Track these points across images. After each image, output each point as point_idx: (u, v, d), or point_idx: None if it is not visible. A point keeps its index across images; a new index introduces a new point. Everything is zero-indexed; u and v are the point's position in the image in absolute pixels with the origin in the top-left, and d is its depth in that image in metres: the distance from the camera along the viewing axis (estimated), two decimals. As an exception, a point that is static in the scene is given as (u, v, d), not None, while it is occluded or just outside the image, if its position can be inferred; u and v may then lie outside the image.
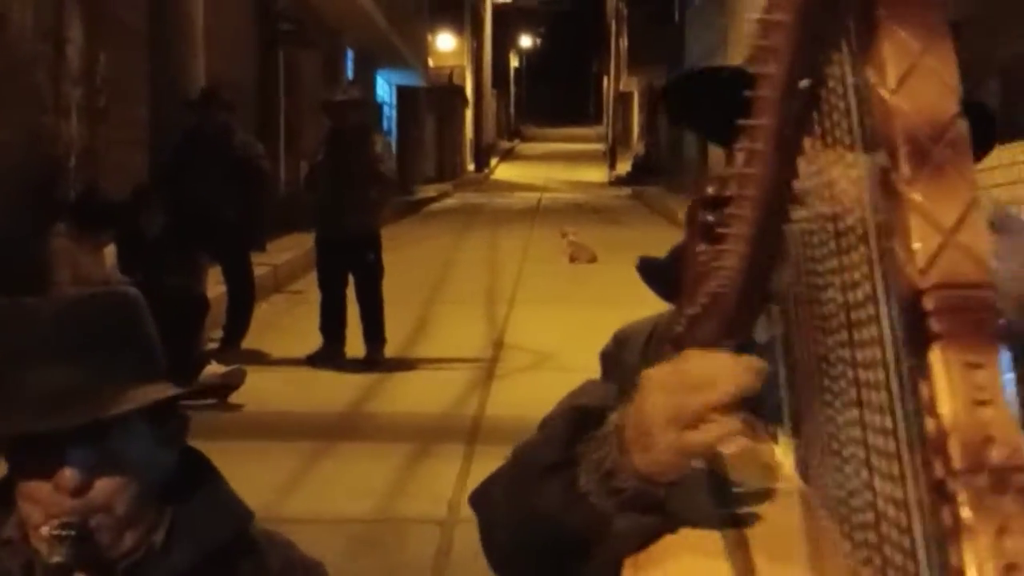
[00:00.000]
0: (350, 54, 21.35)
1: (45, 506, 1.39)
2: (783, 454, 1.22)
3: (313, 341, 8.40)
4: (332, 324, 8.36)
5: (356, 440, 6.49)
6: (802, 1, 0.90)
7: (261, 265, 11.11)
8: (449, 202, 26.00)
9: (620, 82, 39.62)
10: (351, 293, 8.45)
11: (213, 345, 8.43)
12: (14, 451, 1.43)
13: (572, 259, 14.04)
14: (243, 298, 8.59)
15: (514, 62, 61.13)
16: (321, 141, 8.56)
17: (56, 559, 1.37)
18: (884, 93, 0.72)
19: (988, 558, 0.62)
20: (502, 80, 54.20)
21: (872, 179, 0.76)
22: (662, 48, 28.25)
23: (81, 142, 9.02)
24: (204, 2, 9.37)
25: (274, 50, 15.24)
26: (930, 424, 0.66)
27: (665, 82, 1.41)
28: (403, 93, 28.82)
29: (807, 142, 1.00)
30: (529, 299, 11.42)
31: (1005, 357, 0.67)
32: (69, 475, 1.38)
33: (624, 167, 35.17)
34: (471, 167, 39.34)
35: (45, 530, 1.38)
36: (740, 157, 1.05)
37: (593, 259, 13.94)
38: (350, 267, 8.36)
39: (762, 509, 1.14)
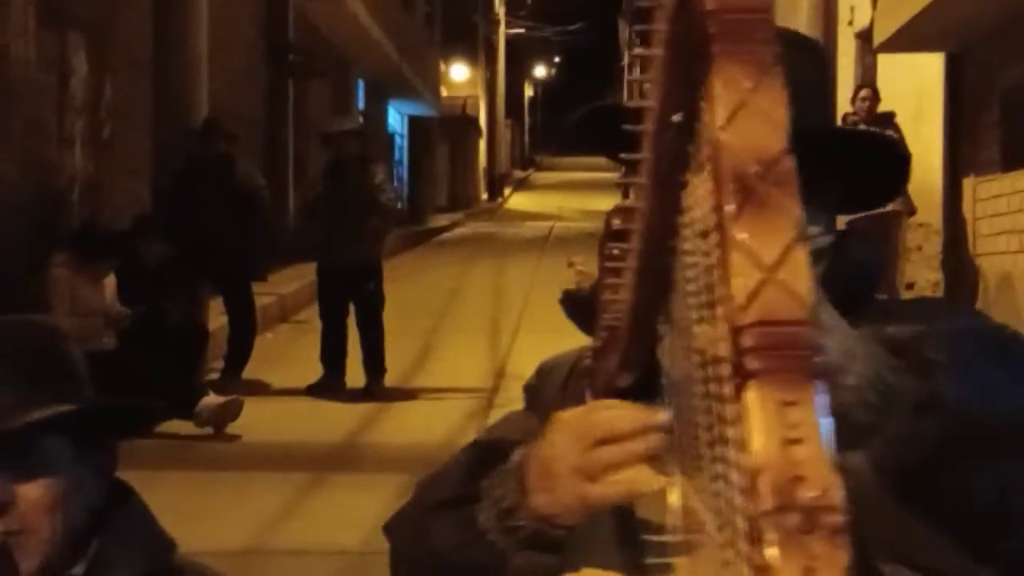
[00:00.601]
0: (361, 85, 21.45)
1: None
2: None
3: (316, 371, 8.40)
4: (332, 354, 8.37)
5: (350, 471, 6.48)
6: (671, 36, 0.90)
7: (267, 295, 11.15)
8: (460, 231, 26.04)
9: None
10: (352, 323, 8.46)
11: (214, 375, 8.45)
12: None
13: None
14: (244, 328, 8.61)
15: (529, 92, 61.34)
16: (321, 172, 8.61)
17: None
18: (714, 129, 0.72)
19: (793, 600, 0.61)
20: (517, 110, 54.36)
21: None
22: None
23: (85, 173, 9.07)
24: (211, 33, 9.45)
25: (283, 81, 15.32)
26: (744, 462, 0.66)
27: (577, 114, 1.40)
28: (415, 123, 28.92)
29: (691, 177, 1.00)
30: (534, 328, 11.40)
31: (824, 397, 0.66)
32: None
33: (637, 196, 35.02)
34: (484, 196, 39.41)
35: None
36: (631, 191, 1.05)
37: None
38: (350, 296, 8.38)
39: (667, 549, 1.13)
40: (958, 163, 10.05)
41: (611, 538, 1.14)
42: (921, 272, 10.76)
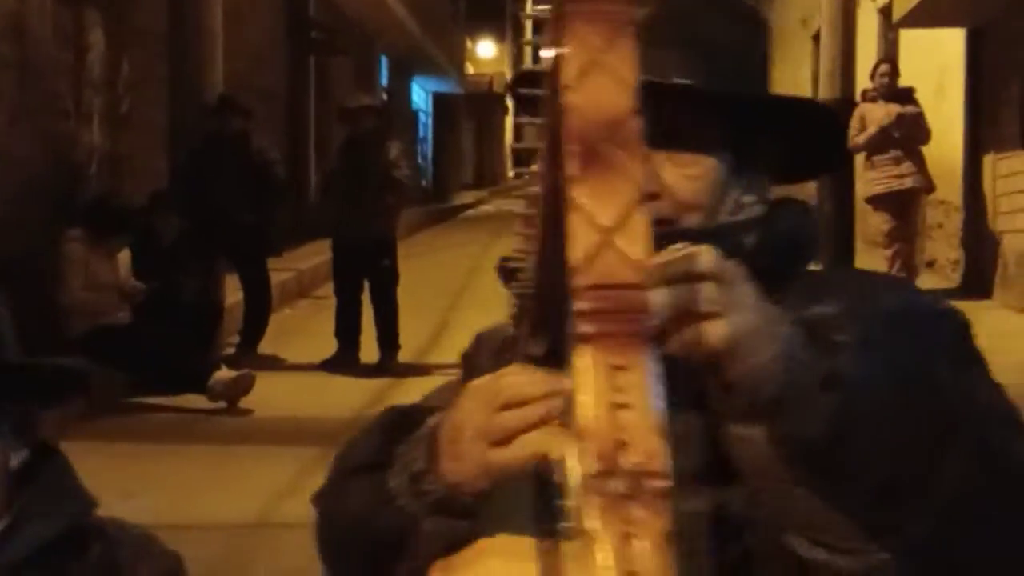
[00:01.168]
0: (384, 61, 21.42)
1: None
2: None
3: (331, 347, 8.42)
4: (347, 329, 8.39)
5: (360, 445, 6.49)
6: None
7: (286, 270, 11.18)
8: (485, 208, 25.98)
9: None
10: (367, 299, 8.48)
11: (231, 351, 8.49)
12: None
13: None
14: (259, 303, 8.64)
15: (557, 69, 61.06)
16: (337, 148, 8.61)
17: None
18: (564, 89, 0.71)
19: (610, 564, 0.60)
20: (544, 87, 54.07)
21: None
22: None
23: (103, 148, 9.10)
24: (229, 9, 9.45)
25: (305, 58, 15.31)
26: (575, 427, 0.65)
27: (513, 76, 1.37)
28: (440, 100, 28.86)
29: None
30: (552, 305, 11.38)
31: (654, 359, 0.65)
32: None
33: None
34: (511, 174, 39.33)
35: None
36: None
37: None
38: (365, 272, 8.39)
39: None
40: (979, 140, 9.94)
41: (527, 504, 1.13)
42: (941, 250, 10.67)
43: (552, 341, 1.11)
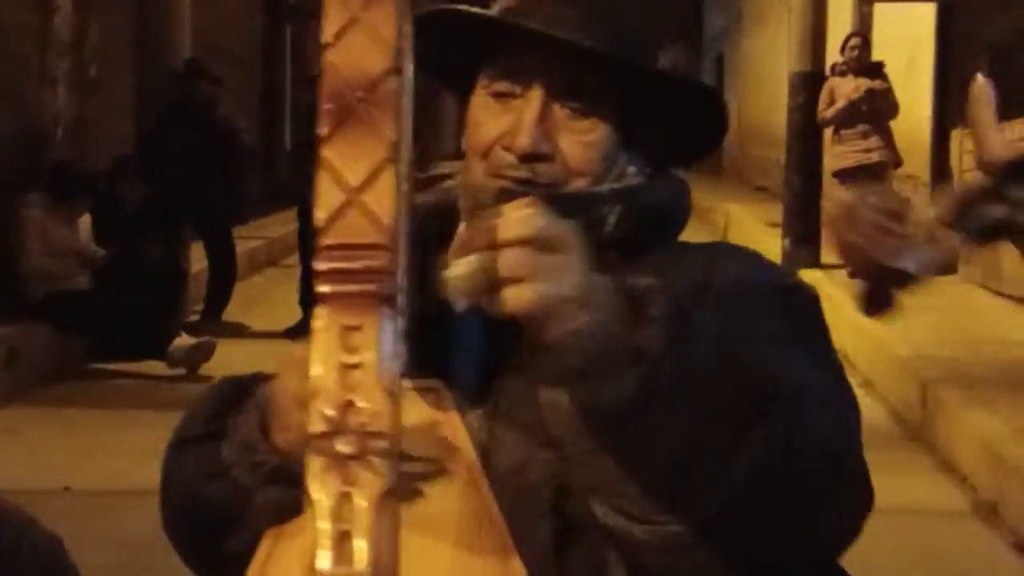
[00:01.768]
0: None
1: None
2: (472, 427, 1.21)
3: (296, 315, 8.40)
4: (311, 297, 8.36)
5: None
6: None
7: (255, 239, 11.15)
8: (465, 178, 25.86)
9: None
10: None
11: (195, 318, 8.47)
12: None
13: None
14: (224, 271, 8.62)
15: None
16: (307, 116, 8.57)
17: None
18: (323, 48, 0.70)
19: (325, 523, 0.60)
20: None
21: None
22: (681, 26, 28.08)
23: (70, 113, 9.03)
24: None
25: (280, 25, 15.23)
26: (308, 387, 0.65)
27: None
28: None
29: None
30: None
31: (392, 320, 0.65)
32: None
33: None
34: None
35: None
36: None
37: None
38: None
39: (426, 486, 1.12)
40: (947, 115, 9.95)
41: None
42: (910, 225, 10.67)
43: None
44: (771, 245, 9.97)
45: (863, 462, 1.06)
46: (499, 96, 1.29)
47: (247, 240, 9.63)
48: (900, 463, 5.50)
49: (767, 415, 0.97)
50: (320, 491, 0.61)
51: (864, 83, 9.13)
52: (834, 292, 7.02)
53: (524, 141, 1.24)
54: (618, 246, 1.26)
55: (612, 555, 1.07)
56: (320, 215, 0.66)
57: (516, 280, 0.89)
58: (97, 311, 7.09)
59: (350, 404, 0.62)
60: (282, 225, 12.61)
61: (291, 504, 1.10)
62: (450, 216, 1.34)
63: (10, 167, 7.88)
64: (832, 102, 9.18)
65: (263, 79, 14.69)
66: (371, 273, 0.65)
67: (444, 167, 1.59)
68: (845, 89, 9.16)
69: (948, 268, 1.03)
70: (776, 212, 10.76)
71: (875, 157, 9.04)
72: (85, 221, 7.54)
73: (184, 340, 7.10)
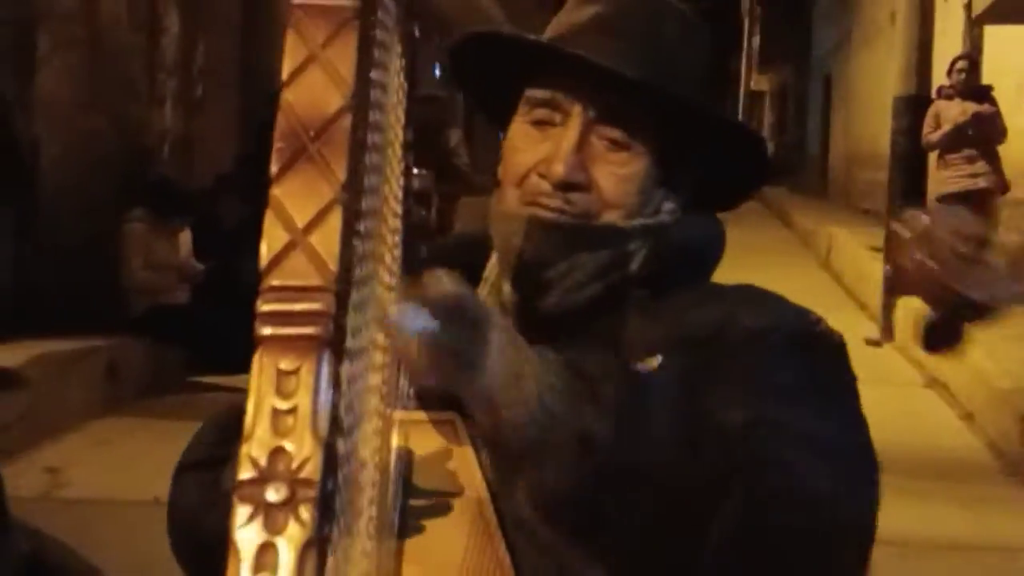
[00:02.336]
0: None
1: None
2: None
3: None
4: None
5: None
6: None
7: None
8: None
9: (751, 80, 39.11)
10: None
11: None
12: None
13: None
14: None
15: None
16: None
17: None
18: (281, 85, 0.70)
19: (247, 573, 0.59)
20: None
21: None
22: (791, 46, 27.80)
23: (176, 132, 9.24)
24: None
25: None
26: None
27: (454, 42, 1.37)
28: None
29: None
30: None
31: (327, 363, 0.64)
32: None
33: (753, 167, 34.61)
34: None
35: None
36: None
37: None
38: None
39: (431, 519, 1.11)
40: (1058, 140, 9.69)
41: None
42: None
43: None
44: (872, 269, 9.79)
45: (865, 515, 1.01)
46: (538, 124, 1.27)
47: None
48: (997, 497, 5.35)
49: (735, 496, 0.92)
50: (243, 540, 0.60)
51: (971, 107, 8.93)
52: (933, 320, 6.85)
53: (560, 169, 1.23)
54: (644, 284, 1.24)
55: None
56: (264, 255, 0.65)
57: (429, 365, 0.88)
58: (195, 325, 7.22)
59: (280, 450, 0.61)
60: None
61: None
62: (482, 249, 1.32)
63: (117, 183, 8.08)
64: (938, 126, 8.99)
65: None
66: (312, 316, 0.64)
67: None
68: (951, 113, 8.97)
69: None
70: (881, 237, 10.57)
71: (981, 183, 8.83)
72: (186, 237, 7.69)
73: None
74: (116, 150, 8.31)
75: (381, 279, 0.86)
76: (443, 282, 0.87)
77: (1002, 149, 9.11)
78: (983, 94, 9.07)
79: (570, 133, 1.24)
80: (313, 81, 0.68)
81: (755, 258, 8.36)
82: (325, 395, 0.63)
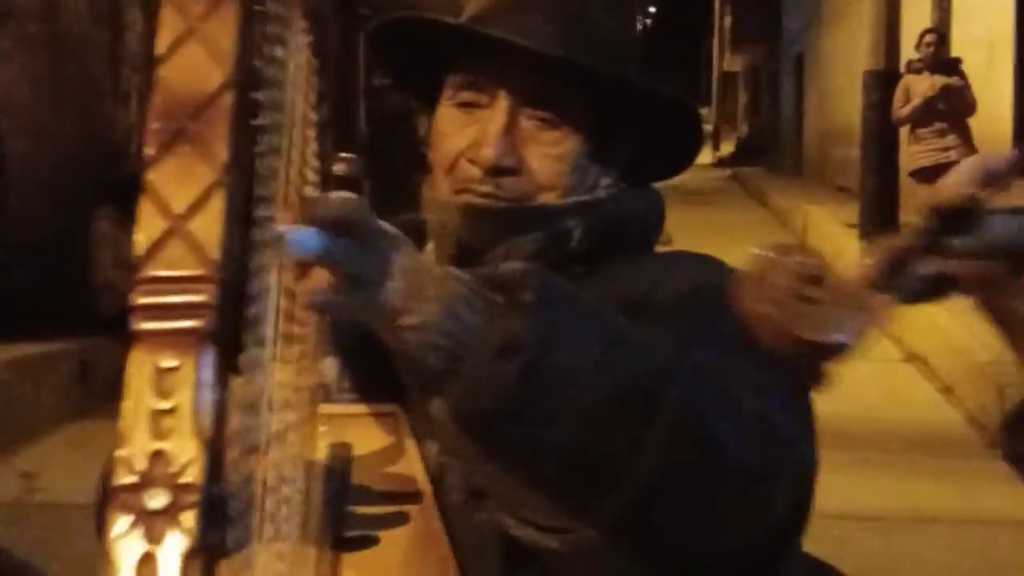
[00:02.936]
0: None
1: None
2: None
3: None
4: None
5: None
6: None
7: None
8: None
9: (724, 61, 39.11)
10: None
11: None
12: None
13: None
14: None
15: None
16: (364, 128, 8.61)
17: None
18: (155, 61, 0.65)
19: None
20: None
21: None
22: (763, 26, 27.80)
23: (141, 128, 9.16)
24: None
25: (355, 33, 15.34)
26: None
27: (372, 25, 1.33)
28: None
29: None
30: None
31: (210, 359, 0.59)
32: None
33: (728, 148, 34.70)
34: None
35: None
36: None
37: (668, 241, 13.78)
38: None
39: (371, 519, 1.08)
40: (1028, 112, 9.69)
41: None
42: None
43: None
44: (849, 246, 9.79)
45: (799, 439, 0.95)
46: (464, 106, 1.25)
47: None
48: (978, 471, 5.33)
49: (668, 406, 0.87)
50: (120, 551, 0.55)
51: (940, 80, 8.92)
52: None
53: (489, 154, 1.21)
54: (584, 260, 1.23)
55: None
56: (140, 244, 0.60)
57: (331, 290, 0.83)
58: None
59: (160, 453, 0.57)
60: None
61: None
62: (418, 236, 1.29)
63: (83, 181, 7.99)
64: (907, 100, 8.98)
65: (340, 88, 14.81)
66: (192, 308, 0.59)
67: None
68: (920, 87, 8.96)
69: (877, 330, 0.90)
70: (855, 213, 10.56)
71: (953, 156, 8.82)
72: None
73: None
74: (83, 148, 8.22)
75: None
76: (333, 201, 0.82)
77: (972, 121, 9.10)
78: (952, 67, 9.06)
79: (497, 116, 1.22)
80: (191, 56, 0.63)
81: (734, 239, 8.36)
82: (208, 393, 0.58)
